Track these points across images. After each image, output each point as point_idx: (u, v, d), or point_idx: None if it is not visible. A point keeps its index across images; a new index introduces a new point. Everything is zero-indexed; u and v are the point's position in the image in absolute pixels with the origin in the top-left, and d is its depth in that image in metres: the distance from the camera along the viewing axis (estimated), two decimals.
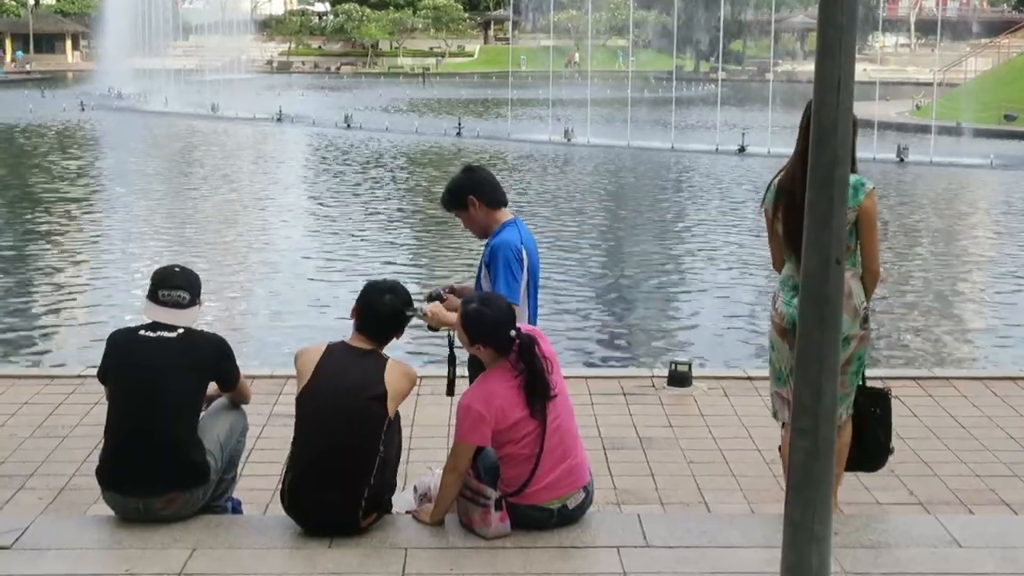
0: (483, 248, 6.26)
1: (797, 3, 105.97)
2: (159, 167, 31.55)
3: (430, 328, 5.99)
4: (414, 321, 5.89)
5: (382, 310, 5.57)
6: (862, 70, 75.36)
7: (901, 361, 12.00)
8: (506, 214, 6.24)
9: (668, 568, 5.23)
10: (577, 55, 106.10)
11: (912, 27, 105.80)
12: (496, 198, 6.20)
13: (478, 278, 6.26)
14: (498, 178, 6.49)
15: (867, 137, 37.14)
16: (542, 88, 74.35)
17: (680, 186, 28.54)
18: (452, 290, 6.26)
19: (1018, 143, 37.73)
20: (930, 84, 64.16)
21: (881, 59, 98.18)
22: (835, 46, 3.79)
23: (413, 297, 5.84)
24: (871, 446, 6.04)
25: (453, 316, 5.77)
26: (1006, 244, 20.20)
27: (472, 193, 6.15)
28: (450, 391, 6.03)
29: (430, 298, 6.16)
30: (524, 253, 6.08)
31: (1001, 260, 18.54)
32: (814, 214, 3.92)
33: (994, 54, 52.52)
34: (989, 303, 15.28)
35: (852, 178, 5.41)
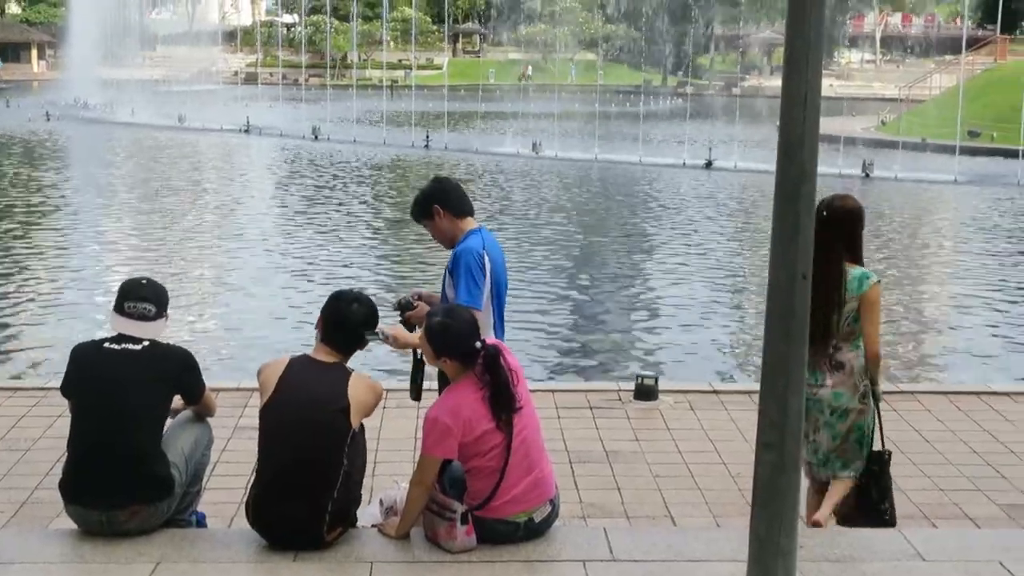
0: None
1: (764, 18, 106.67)
2: (124, 178, 31.37)
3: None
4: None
5: (349, 320, 5.56)
6: (828, 85, 75.77)
7: None
8: (472, 223, 6.25)
9: None
10: (531, 68, 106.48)
11: (877, 43, 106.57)
12: (461, 207, 6.22)
13: (443, 286, 6.26)
14: (466, 188, 6.52)
15: (833, 152, 37.40)
16: (510, 101, 74.46)
17: (647, 200, 28.61)
18: (420, 297, 6.27)
19: (982, 159, 38.06)
20: (895, 100, 64.72)
21: (847, 75, 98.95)
22: (802, 61, 3.81)
23: (380, 305, 5.83)
24: (866, 503, 6.23)
25: (415, 337, 5.77)
26: (970, 259, 20.35)
27: (437, 202, 6.17)
28: (416, 396, 6.01)
29: (399, 306, 6.15)
30: (487, 259, 6.08)
31: (965, 275, 18.67)
32: (781, 228, 3.94)
33: (958, 71, 52.94)
34: (953, 318, 15.39)
35: (859, 271, 5.92)
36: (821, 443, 6.14)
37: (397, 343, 5.88)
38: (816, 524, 6.12)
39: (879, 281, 6.00)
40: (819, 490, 6.33)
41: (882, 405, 9.13)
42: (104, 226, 22.24)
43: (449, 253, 6.28)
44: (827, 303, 5.83)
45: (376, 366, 10.76)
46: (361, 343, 5.63)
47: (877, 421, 6.20)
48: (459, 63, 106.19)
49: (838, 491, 6.22)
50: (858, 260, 6.01)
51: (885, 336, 13.97)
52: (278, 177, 33.30)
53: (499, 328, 6.24)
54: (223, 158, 38.70)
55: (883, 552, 5.57)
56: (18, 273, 17.23)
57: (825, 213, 5.84)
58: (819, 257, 5.63)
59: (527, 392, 5.53)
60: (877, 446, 6.25)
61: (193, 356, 5.76)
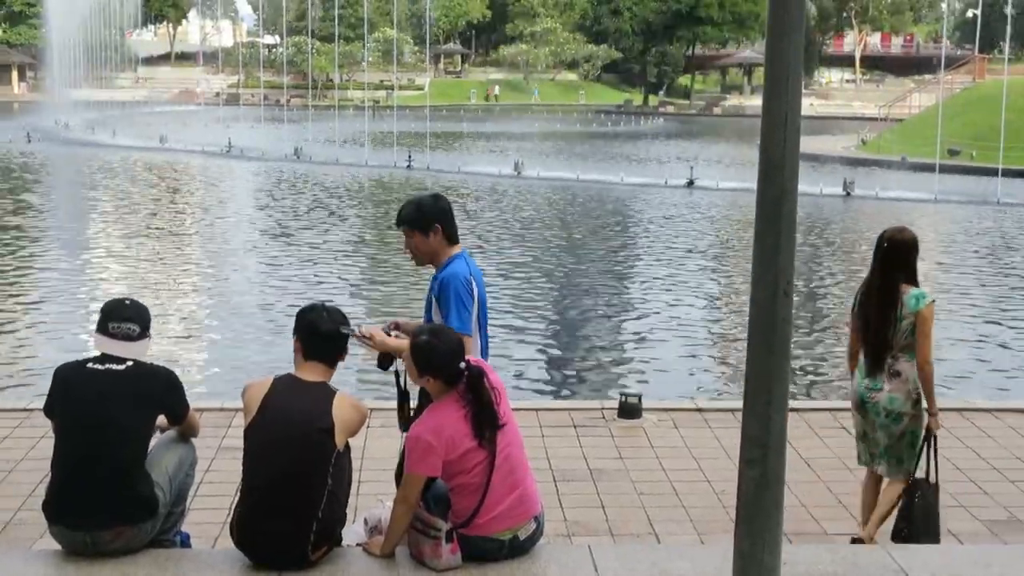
0: (431, 282, 6.24)
1: (745, 38, 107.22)
2: (105, 200, 31.32)
3: (380, 366, 5.98)
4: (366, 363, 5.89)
5: (324, 324, 5.58)
6: (808, 105, 76.43)
7: (846, 393, 12.10)
8: (456, 249, 6.24)
9: None
10: (497, 88, 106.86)
11: (857, 63, 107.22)
12: (455, 232, 6.21)
13: (428, 313, 6.23)
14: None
15: (814, 171, 37.57)
16: (493, 121, 74.62)
17: (629, 219, 28.69)
18: (397, 326, 6.24)
19: (961, 177, 38.25)
20: (875, 119, 65.06)
21: (827, 94, 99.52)
22: (782, 83, 3.85)
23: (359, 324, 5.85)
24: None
25: (395, 341, 5.78)
26: (947, 277, 20.44)
27: (439, 221, 6.12)
28: (405, 427, 6.00)
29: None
30: (473, 284, 6.08)
31: (943, 293, 18.74)
32: (762, 247, 3.97)
33: (937, 90, 53.30)
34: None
35: (916, 291, 6.63)
36: (880, 441, 6.70)
37: (374, 341, 5.86)
38: (859, 541, 6.50)
39: (933, 301, 6.70)
40: (876, 482, 6.80)
41: None
42: (85, 247, 22.18)
43: (415, 268, 6.24)
44: (885, 320, 6.60)
45: (361, 386, 10.76)
46: (343, 347, 5.65)
47: (932, 446, 6.68)
48: (440, 83, 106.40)
49: (888, 499, 6.66)
50: (914, 282, 6.67)
51: None
52: (259, 198, 33.26)
53: (484, 349, 6.25)
54: (204, 179, 38.64)
55: (867, 568, 5.60)
56: None
57: (886, 244, 6.70)
58: (881, 281, 6.55)
59: (509, 410, 5.55)
60: (921, 471, 6.69)
61: (177, 376, 5.76)
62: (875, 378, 6.66)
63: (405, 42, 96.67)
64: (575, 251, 22.84)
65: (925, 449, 6.69)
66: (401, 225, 6.18)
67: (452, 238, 6.15)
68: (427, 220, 6.09)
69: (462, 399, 5.38)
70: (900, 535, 6.54)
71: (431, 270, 6.23)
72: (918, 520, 6.52)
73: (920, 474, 6.69)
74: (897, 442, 6.64)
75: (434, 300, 6.09)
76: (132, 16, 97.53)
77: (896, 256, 6.66)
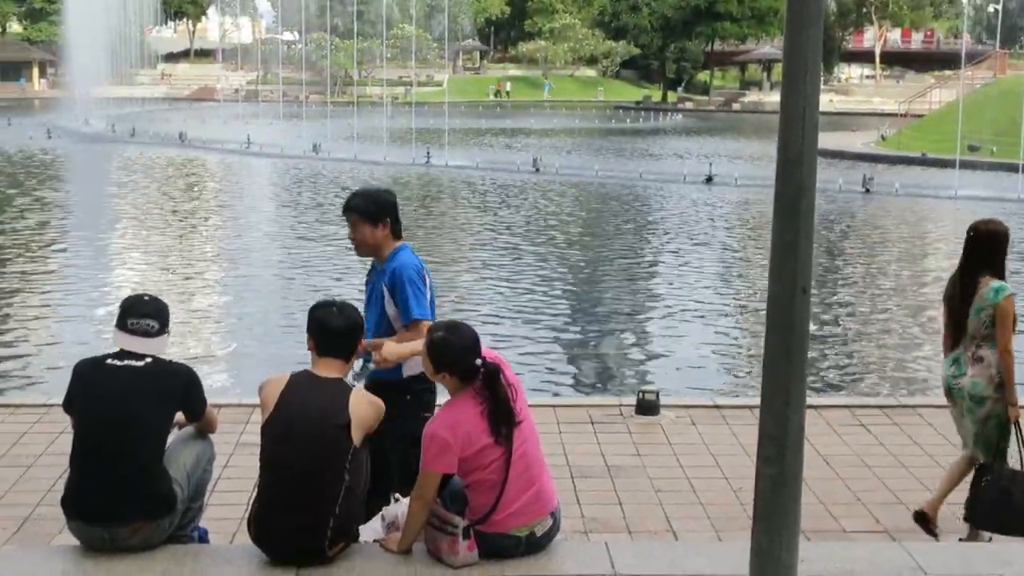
0: (375, 276, 6.24)
1: (764, 34, 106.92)
2: (124, 196, 31.40)
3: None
4: None
5: (333, 323, 5.58)
6: (828, 101, 76.18)
7: (868, 389, 12.07)
8: (398, 243, 6.26)
9: None
10: (509, 84, 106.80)
11: (877, 58, 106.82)
12: (400, 228, 6.30)
13: (374, 307, 6.19)
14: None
15: (833, 168, 37.43)
16: (510, 118, 74.59)
17: (647, 215, 28.64)
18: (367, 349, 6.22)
19: (981, 173, 38.05)
20: (895, 115, 64.78)
21: (846, 90, 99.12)
22: (800, 78, 3.83)
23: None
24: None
25: (405, 347, 5.81)
26: None
27: (389, 215, 6.21)
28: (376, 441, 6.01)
29: (364, 363, 6.08)
30: (424, 272, 6.14)
31: None
32: (780, 243, 3.95)
33: (958, 85, 53.05)
34: None
35: (997, 283, 6.70)
36: (968, 427, 6.83)
37: (388, 362, 5.89)
38: (921, 514, 6.79)
39: (1013, 294, 6.76)
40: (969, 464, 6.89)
41: (882, 419, 9.13)
42: (104, 243, 22.25)
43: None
44: (963, 311, 6.74)
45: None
46: (356, 344, 5.65)
47: (1018, 434, 6.71)
48: (459, 80, 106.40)
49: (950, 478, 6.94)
50: (999, 275, 6.76)
51: (889, 348, 14.01)
52: (277, 195, 33.32)
53: None
54: (223, 175, 38.73)
55: (884, 566, 5.57)
56: (19, 290, 17.25)
57: (972, 235, 6.80)
58: (963, 272, 6.70)
59: (526, 407, 5.54)
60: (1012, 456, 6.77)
61: (196, 373, 5.77)
62: (959, 365, 6.81)
63: (424, 39, 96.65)
64: (593, 246, 22.81)
65: (1014, 437, 6.73)
66: (350, 213, 6.23)
67: (397, 233, 6.24)
68: (380, 212, 6.20)
69: (478, 396, 5.38)
70: (965, 518, 6.71)
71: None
72: (979, 507, 6.60)
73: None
74: (983, 426, 6.73)
75: (386, 292, 6.09)
76: (152, 13, 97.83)
77: (980, 247, 6.74)
